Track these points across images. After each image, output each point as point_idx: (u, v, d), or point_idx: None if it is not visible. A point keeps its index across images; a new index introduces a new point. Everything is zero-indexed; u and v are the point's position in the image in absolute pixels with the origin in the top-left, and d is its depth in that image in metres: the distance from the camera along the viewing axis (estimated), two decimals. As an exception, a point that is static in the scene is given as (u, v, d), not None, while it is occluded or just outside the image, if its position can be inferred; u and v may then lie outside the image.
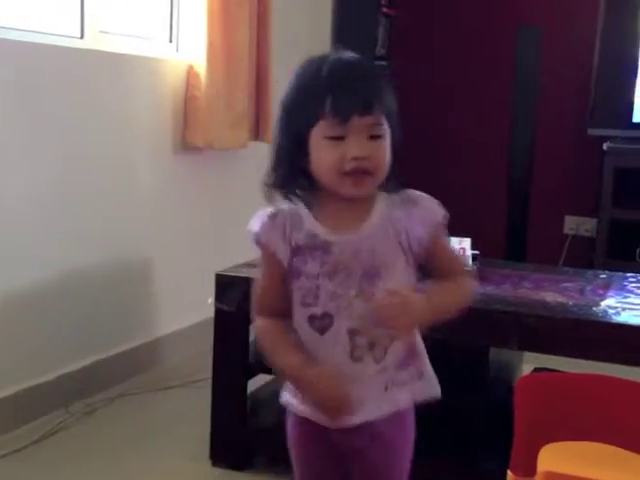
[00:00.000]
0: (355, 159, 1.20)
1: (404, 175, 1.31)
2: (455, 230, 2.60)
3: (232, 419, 2.14)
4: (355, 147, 1.20)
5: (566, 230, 4.26)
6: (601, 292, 2.10)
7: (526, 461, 1.48)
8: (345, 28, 4.04)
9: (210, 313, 2.15)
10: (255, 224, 1.29)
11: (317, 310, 1.26)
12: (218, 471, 2.16)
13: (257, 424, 2.19)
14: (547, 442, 1.48)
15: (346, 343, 1.25)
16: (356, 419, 1.27)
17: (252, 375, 2.20)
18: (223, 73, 2.96)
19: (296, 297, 1.27)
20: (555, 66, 4.02)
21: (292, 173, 1.26)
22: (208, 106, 2.93)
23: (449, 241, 1.34)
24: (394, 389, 1.30)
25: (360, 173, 1.21)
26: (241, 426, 2.14)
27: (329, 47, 4.05)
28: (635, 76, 3.75)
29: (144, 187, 2.81)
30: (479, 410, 1.95)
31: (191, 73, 2.93)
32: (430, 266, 1.29)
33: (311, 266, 1.25)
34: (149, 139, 2.85)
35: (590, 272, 2.45)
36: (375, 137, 1.22)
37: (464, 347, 1.95)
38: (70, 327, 2.56)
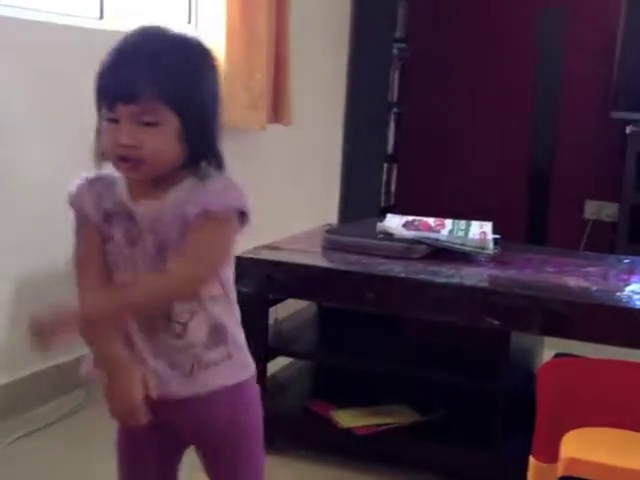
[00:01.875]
0: (122, 146, 1.17)
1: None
2: (475, 213, 2.60)
3: (251, 401, 2.13)
4: (122, 134, 1.16)
5: (587, 215, 4.21)
6: (625, 277, 2.08)
7: (549, 447, 1.47)
8: (364, 10, 4.01)
9: (230, 295, 2.14)
10: (73, 186, 1.31)
11: (118, 277, 1.26)
12: (237, 453, 2.16)
13: (277, 406, 2.19)
14: (570, 428, 1.47)
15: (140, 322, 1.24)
16: (154, 392, 1.23)
17: (272, 357, 2.20)
18: (242, 54, 2.94)
19: (109, 261, 1.27)
20: (578, 48, 3.97)
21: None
22: (227, 87, 2.90)
23: (213, 234, 1.20)
24: (201, 371, 1.24)
25: (132, 160, 1.17)
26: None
27: (348, 29, 4.02)
28: (659, 59, 3.70)
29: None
30: (500, 395, 1.94)
31: (210, 54, 2.91)
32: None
33: (117, 232, 1.25)
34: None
35: (613, 257, 2.43)
36: (148, 124, 1.16)
37: (485, 331, 1.93)
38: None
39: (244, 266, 2.08)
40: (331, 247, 2.23)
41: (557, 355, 2.33)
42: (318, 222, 2.78)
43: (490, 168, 4.34)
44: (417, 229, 2.22)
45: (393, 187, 4.36)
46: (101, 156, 1.24)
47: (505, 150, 4.29)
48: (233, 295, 1.30)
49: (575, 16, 3.81)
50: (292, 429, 2.20)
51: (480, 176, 4.37)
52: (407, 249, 2.15)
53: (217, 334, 1.25)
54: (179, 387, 1.24)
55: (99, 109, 1.20)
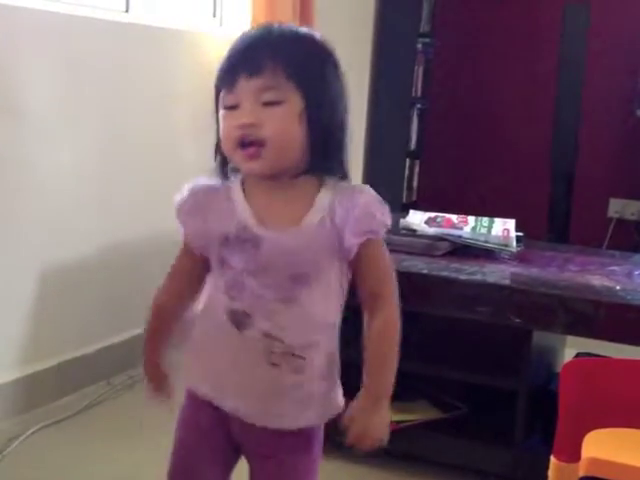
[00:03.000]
0: (241, 126, 1.08)
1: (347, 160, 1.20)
2: (498, 210, 2.59)
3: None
4: (242, 113, 1.09)
5: (611, 213, 4.18)
6: (649, 277, 2.06)
7: (570, 447, 1.46)
8: (389, 5, 4.00)
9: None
10: (177, 198, 1.20)
11: (239, 305, 1.15)
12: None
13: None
14: (592, 428, 1.46)
15: (262, 346, 1.15)
16: (267, 422, 1.19)
17: (292, 353, 2.20)
18: (266, 49, 2.94)
19: (219, 285, 1.16)
20: (603, 44, 3.93)
21: (221, 154, 1.16)
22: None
23: (384, 256, 1.17)
24: (312, 402, 1.20)
25: (251, 144, 1.09)
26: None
27: (372, 24, 4.01)
28: (686, 56, 3.66)
29: (186, 161, 2.81)
30: (521, 393, 1.93)
31: (234, 48, 2.92)
32: (355, 278, 1.18)
33: (238, 259, 1.13)
34: (191, 113, 2.84)
35: (637, 256, 2.41)
36: (270, 104, 1.08)
37: (508, 329, 1.92)
38: (112, 300, 2.58)
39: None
40: (353, 243, 2.22)
41: (579, 354, 2.32)
42: (340, 217, 2.78)
43: (513, 165, 4.32)
44: (440, 226, 2.21)
45: (415, 183, 4.35)
46: (221, 165, 1.16)
47: (528, 147, 4.26)
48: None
49: (600, 12, 3.77)
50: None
51: (502, 173, 4.35)
52: (430, 246, 2.14)
53: (331, 363, 1.24)
54: (286, 420, 1.20)
55: (217, 101, 1.13)
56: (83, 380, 2.44)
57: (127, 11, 2.60)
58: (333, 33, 4.00)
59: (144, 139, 2.65)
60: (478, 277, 1.93)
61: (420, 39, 4.11)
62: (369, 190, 1.16)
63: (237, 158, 1.12)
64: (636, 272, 2.11)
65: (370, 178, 4.10)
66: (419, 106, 4.23)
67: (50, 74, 2.28)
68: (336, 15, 3.59)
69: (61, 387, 2.37)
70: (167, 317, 1.25)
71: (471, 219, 2.24)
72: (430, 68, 4.25)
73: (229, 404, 1.20)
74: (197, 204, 1.17)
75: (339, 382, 1.26)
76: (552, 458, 1.49)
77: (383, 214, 1.14)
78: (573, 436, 1.45)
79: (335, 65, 1.18)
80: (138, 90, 2.61)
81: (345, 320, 2.48)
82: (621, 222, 4.15)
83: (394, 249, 2.13)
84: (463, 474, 2.01)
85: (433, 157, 4.37)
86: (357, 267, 1.16)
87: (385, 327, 1.20)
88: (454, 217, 2.25)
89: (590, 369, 1.55)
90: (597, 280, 1.99)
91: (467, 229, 2.19)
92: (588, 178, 3.98)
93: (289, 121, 1.09)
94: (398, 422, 2.09)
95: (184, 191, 1.19)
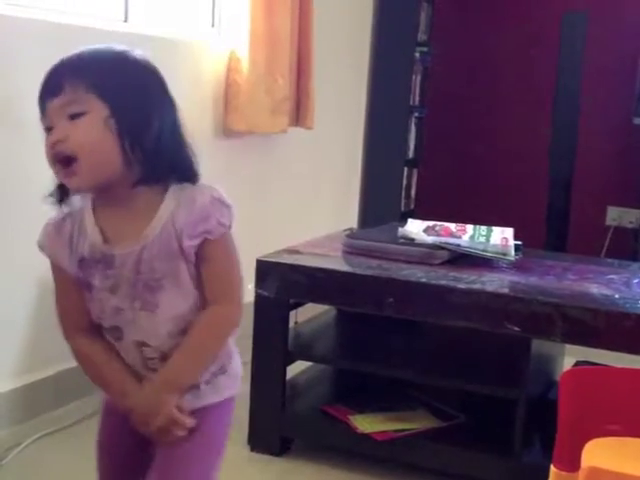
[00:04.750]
0: (52, 145, 1.12)
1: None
2: (495, 219, 2.59)
3: (270, 405, 2.14)
4: (54, 132, 1.13)
5: (609, 221, 4.19)
6: (648, 285, 2.06)
7: (570, 456, 1.46)
8: (387, 14, 4.01)
9: (250, 298, 2.14)
10: (41, 232, 1.25)
11: (106, 323, 1.23)
12: (256, 456, 2.16)
13: (295, 410, 2.19)
14: (592, 437, 1.46)
15: (137, 354, 1.22)
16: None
17: (291, 361, 2.20)
18: (265, 58, 2.95)
19: (91, 309, 1.23)
20: (600, 52, 3.95)
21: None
22: (249, 91, 2.92)
23: (226, 257, 1.21)
24: (197, 389, 1.24)
25: (66, 160, 1.12)
26: (279, 412, 2.14)
27: (370, 32, 4.03)
28: (683, 64, 3.67)
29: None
30: (520, 402, 1.93)
31: (233, 58, 2.93)
32: (200, 278, 1.19)
33: (97, 279, 1.20)
34: (190, 123, 2.84)
35: (636, 264, 2.41)
36: (75, 116, 1.12)
37: (506, 338, 1.92)
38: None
39: (264, 270, 2.09)
40: (351, 251, 2.23)
41: (578, 363, 2.32)
42: (338, 226, 2.78)
43: (510, 173, 4.33)
44: (438, 234, 2.21)
45: (413, 192, 4.35)
46: (59, 189, 1.21)
47: (526, 155, 4.27)
48: None
49: (598, 21, 3.78)
50: (310, 433, 2.20)
51: (500, 181, 4.36)
52: (428, 254, 2.14)
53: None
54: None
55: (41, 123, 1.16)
56: (81, 390, 2.43)
57: (126, 21, 2.60)
58: (332, 42, 4.03)
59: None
60: (477, 286, 1.93)
61: (418, 48, 4.12)
62: (210, 190, 1.18)
63: (60, 178, 1.17)
64: (634, 280, 2.11)
65: (368, 186, 4.10)
66: (417, 114, 4.24)
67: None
68: (334, 24, 3.61)
69: (59, 397, 2.37)
70: (94, 345, 1.26)
71: (469, 228, 2.24)
72: (428, 77, 4.27)
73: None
74: (51, 237, 1.23)
75: (230, 367, 1.29)
76: (552, 467, 1.49)
77: (222, 214, 1.17)
78: (573, 445, 1.45)
79: (151, 71, 1.22)
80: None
81: (339, 329, 2.49)
82: (619, 230, 4.16)
83: (393, 257, 2.15)
84: (462, 483, 2.01)
85: (431, 165, 4.38)
86: (199, 267, 1.19)
87: (215, 320, 1.21)
88: (452, 226, 2.25)
89: (589, 378, 1.55)
90: (596, 288, 1.99)
91: (466, 238, 2.19)
92: (586, 186, 3.99)
93: (94, 130, 1.12)
94: (396, 431, 2.08)
95: (47, 225, 1.25)
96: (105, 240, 1.18)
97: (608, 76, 4.06)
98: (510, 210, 4.15)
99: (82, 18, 2.42)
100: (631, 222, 4.11)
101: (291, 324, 2.20)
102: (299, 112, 3.24)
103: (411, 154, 4.26)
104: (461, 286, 1.93)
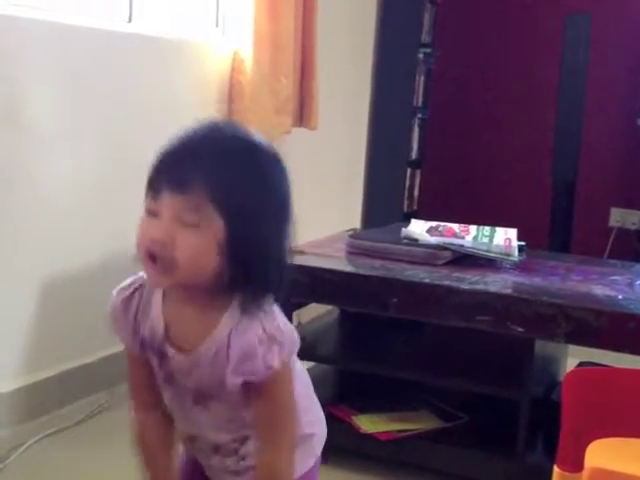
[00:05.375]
0: (153, 241, 1.03)
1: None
2: (498, 219, 2.59)
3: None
4: (158, 226, 1.03)
5: (612, 222, 4.19)
6: (651, 286, 2.06)
7: (574, 456, 1.45)
8: (390, 14, 4.01)
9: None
10: (111, 305, 1.16)
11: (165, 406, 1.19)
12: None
13: (298, 411, 2.19)
14: (595, 438, 1.46)
15: (189, 447, 1.21)
16: None
17: (295, 362, 2.20)
18: (268, 58, 2.95)
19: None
20: (604, 54, 3.95)
21: None
22: (253, 91, 2.92)
23: (273, 399, 1.12)
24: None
25: (159, 260, 1.03)
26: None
27: (374, 33, 4.02)
28: (687, 66, 3.67)
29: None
30: (523, 403, 1.93)
31: (236, 58, 2.93)
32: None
33: (154, 364, 1.15)
34: (193, 123, 2.85)
35: (639, 265, 2.41)
36: (189, 225, 1.02)
37: (510, 339, 1.92)
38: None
39: (268, 270, 2.08)
40: (355, 252, 2.23)
41: (581, 364, 2.32)
42: (341, 226, 2.78)
43: (514, 174, 4.33)
44: (441, 235, 2.21)
45: (416, 193, 4.35)
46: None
47: (529, 156, 4.27)
48: None
49: (601, 22, 3.78)
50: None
51: (504, 182, 4.35)
52: (431, 255, 2.14)
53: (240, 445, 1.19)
54: None
55: (146, 197, 1.09)
56: (85, 389, 2.43)
57: (130, 21, 2.61)
58: (335, 43, 4.02)
59: (145, 150, 2.64)
60: (480, 286, 1.93)
61: (421, 49, 4.12)
62: (264, 322, 1.08)
63: (146, 269, 1.08)
64: (638, 281, 2.11)
65: (372, 187, 4.10)
66: (420, 116, 4.24)
67: (51, 84, 2.29)
68: (338, 25, 3.61)
69: (63, 396, 2.37)
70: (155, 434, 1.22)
71: (473, 228, 2.24)
72: (431, 78, 4.26)
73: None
74: (118, 313, 1.15)
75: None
76: (555, 468, 1.49)
77: (271, 355, 1.07)
78: (576, 446, 1.45)
79: (281, 178, 1.11)
80: (140, 100, 2.61)
81: (343, 330, 2.48)
82: (622, 231, 4.15)
83: (396, 258, 2.15)
84: (465, 484, 2.01)
85: (434, 167, 4.38)
86: (253, 401, 1.12)
87: (262, 475, 1.15)
88: (456, 226, 2.25)
89: (593, 378, 1.55)
90: (599, 289, 1.99)
91: (469, 238, 2.19)
92: (589, 187, 3.99)
93: (205, 248, 1.02)
94: (400, 431, 2.08)
95: (115, 297, 1.17)
96: (166, 334, 1.11)
97: (612, 77, 4.06)
98: (513, 211, 4.15)
99: (86, 18, 2.42)
100: (634, 223, 4.11)
101: (294, 324, 2.20)
102: (303, 112, 3.24)
103: (414, 155, 4.26)
104: (464, 287, 1.93)
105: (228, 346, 1.07)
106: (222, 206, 1.02)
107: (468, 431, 2.13)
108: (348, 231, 2.52)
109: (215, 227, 1.02)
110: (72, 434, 2.24)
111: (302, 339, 2.24)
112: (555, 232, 3.72)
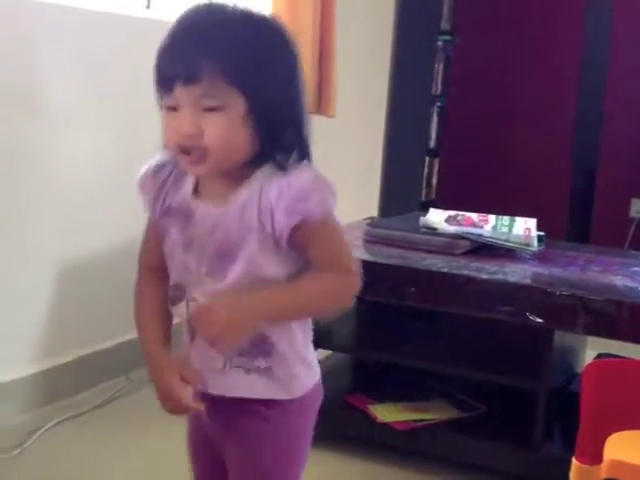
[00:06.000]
0: (182, 136, 1.05)
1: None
2: (517, 209, 2.57)
3: (289, 393, 2.13)
4: (181, 122, 1.04)
5: (632, 213, 4.15)
6: (672, 277, 2.04)
7: (592, 449, 1.44)
8: (410, 2, 3.98)
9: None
10: (143, 168, 1.17)
11: (173, 278, 1.16)
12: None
13: (314, 399, 2.19)
14: (615, 430, 1.44)
15: (186, 321, 1.16)
16: (218, 390, 1.16)
17: (310, 350, 2.19)
18: (287, 45, 2.94)
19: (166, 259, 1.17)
20: (625, 43, 3.90)
21: None
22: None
23: (328, 238, 1.11)
24: (233, 371, 1.14)
25: (194, 151, 1.05)
26: (298, 400, 2.14)
27: (392, 21, 4.00)
28: None
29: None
30: (541, 394, 1.91)
31: (255, 45, 2.91)
32: (307, 259, 1.11)
33: (174, 231, 1.13)
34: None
35: (660, 257, 2.38)
36: (210, 109, 1.03)
37: (528, 329, 1.91)
38: (130, 295, 2.55)
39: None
40: (373, 240, 2.22)
41: (600, 355, 2.30)
42: (359, 215, 2.77)
43: (533, 164, 4.29)
44: (460, 224, 2.20)
45: (434, 181, 4.33)
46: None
47: (549, 145, 4.23)
48: None
49: (622, 12, 3.74)
50: (330, 423, 2.18)
51: (522, 172, 4.32)
52: (450, 244, 2.13)
53: (258, 346, 1.13)
54: (212, 383, 1.16)
55: (159, 96, 1.09)
56: (102, 375, 2.44)
57: (148, 7, 2.60)
58: (354, 30, 4.00)
59: (161, 135, 2.65)
60: (499, 276, 1.92)
61: (441, 36, 4.09)
62: (310, 169, 1.09)
63: (181, 162, 1.10)
64: (659, 273, 2.09)
65: (389, 175, 4.08)
66: (439, 104, 4.21)
67: (70, 69, 2.29)
68: (357, 12, 3.58)
69: (80, 382, 2.38)
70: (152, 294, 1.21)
71: (492, 218, 2.22)
72: (450, 66, 4.23)
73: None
74: (147, 177, 1.16)
75: (278, 371, 1.16)
76: (574, 460, 1.48)
77: (323, 194, 1.08)
78: (595, 438, 1.44)
79: (286, 43, 1.10)
80: (158, 86, 2.60)
81: (360, 318, 2.48)
82: (642, 222, 4.12)
83: (414, 247, 2.13)
84: (481, 474, 2.00)
85: (452, 155, 4.35)
86: (299, 250, 1.10)
87: (334, 284, 1.11)
88: (475, 215, 2.24)
89: (612, 370, 1.54)
90: (619, 280, 1.97)
91: (488, 228, 2.18)
92: (610, 178, 3.95)
93: (231, 127, 1.04)
94: (416, 421, 2.08)
95: (149, 163, 1.18)
96: (195, 194, 1.12)
97: (633, 67, 4.01)
98: (532, 200, 4.12)
99: (105, 4, 2.42)
100: (655, 215, 4.07)
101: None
102: (321, 100, 3.22)
103: (432, 143, 4.23)
104: (483, 276, 1.91)
105: (260, 196, 1.07)
106: (238, 82, 1.03)
107: (485, 421, 2.12)
108: (366, 220, 2.51)
109: (236, 104, 1.03)
110: (88, 419, 2.25)
111: (318, 327, 2.24)
112: (574, 222, 3.69)
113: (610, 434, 1.44)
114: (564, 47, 4.12)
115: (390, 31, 4.02)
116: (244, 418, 1.17)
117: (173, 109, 1.06)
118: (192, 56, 1.02)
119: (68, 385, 2.35)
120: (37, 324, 2.29)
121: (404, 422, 2.07)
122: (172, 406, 1.17)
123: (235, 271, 1.09)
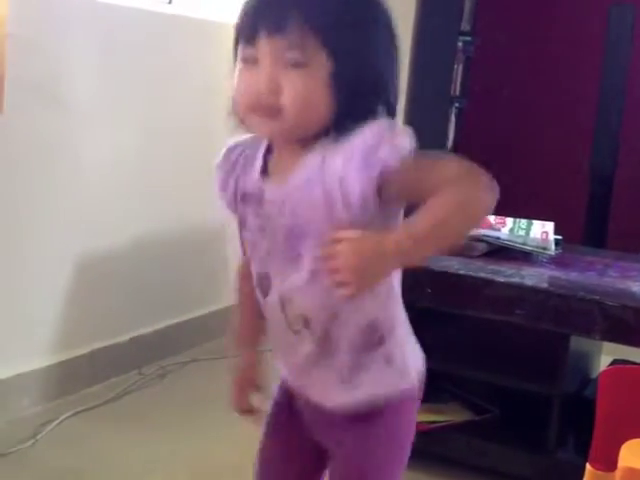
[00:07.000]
0: (256, 92, 0.96)
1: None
2: (534, 212, 2.55)
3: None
4: (258, 77, 0.95)
5: (651, 219, 4.11)
6: (691, 285, 2.02)
7: (607, 455, 1.43)
8: (430, 2, 3.97)
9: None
10: (219, 156, 1.10)
11: (256, 269, 1.07)
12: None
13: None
14: (630, 437, 1.44)
15: (281, 316, 1.05)
16: (310, 396, 1.09)
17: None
18: (307, 43, 2.94)
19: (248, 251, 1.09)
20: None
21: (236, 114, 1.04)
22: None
23: (425, 162, 1.02)
24: (353, 378, 1.06)
25: (266, 108, 0.96)
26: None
27: (412, 21, 3.98)
28: None
29: (223, 155, 2.82)
30: (556, 399, 1.90)
31: (275, 42, 2.91)
32: (410, 201, 1.01)
33: (250, 217, 1.06)
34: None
35: (678, 263, 2.36)
36: (293, 65, 0.95)
37: (544, 334, 1.90)
38: (145, 290, 2.59)
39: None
40: (389, 241, 2.21)
41: (615, 361, 2.28)
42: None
43: (551, 167, 4.27)
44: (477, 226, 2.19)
45: (451, 182, 4.31)
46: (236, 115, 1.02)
47: (567, 148, 4.21)
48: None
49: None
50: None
51: (540, 175, 4.30)
52: (467, 246, 2.12)
53: (372, 334, 1.08)
54: (325, 397, 1.08)
55: (235, 51, 1.00)
56: (115, 369, 2.45)
57: (170, 2, 2.61)
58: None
59: (184, 131, 2.66)
60: (516, 279, 1.91)
61: (461, 37, 4.07)
62: (372, 125, 0.97)
63: (251, 121, 1.00)
64: (678, 280, 2.07)
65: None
66: (457, 105, 4.19)
67: (93, 64, 2.30)
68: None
69: (93, 375, 2.39)
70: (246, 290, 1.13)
71: (509, 221, 2.21)
72: (470, 67, 4.22)
73: (285, 377, 1.14)
74: (226, 162, 1.09)
75: (395, 354, 1.10)
76: (588, 466, 1.47)
77: (392, 139, 0.96)
78: (610, 444, 1.43)
79: (380, 15, 1.03)
80: (180, 81, 2.61)
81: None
82: (661, 228, 4.08)
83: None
84: (494, 477, 1.99)
85: (470, 157, 4.32)
86: (398, 199, 1.01)
87: (464, 196, 0.99)
88: (492, 218, 2.23)
89: (628, 377, 1.53)
90: (637, 286, 1.96)
91: (505, 230, 2.17)
92: (628, 182, 3.92)
93: (313, 87, 0.95)
94: (429, 423, 2.07)
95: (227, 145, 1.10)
96: (264, 174, 1.04)
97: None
98: (549, 204, 4.09)
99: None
100: (673, 220, 4.03)
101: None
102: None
103: (450, 144, 4.22)
104: (500, 279, 1.91)
105: (323, 167, 0.97)
106: (327, 40, 0.95)
107: (499, 425, 2.11)
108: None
109: (321, 63, 0.95)
110: (101, 412, 2.26)
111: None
112: (591, 226, 3.67)
113: (625, 440, 1.43)
114: (587, 48, 4.09)
115: (410, 31, 4.01)
116: (361, 422, 1.09)
117: (252, 62, 0.97)
118: (281, 5, 0.95)
119: (82, 378, 2.36)
120: (53, 317, 2.30)
121: (417, 424, 2.06)
122: (234, 408, 1.18)
123: (309, 254, 1.00)
